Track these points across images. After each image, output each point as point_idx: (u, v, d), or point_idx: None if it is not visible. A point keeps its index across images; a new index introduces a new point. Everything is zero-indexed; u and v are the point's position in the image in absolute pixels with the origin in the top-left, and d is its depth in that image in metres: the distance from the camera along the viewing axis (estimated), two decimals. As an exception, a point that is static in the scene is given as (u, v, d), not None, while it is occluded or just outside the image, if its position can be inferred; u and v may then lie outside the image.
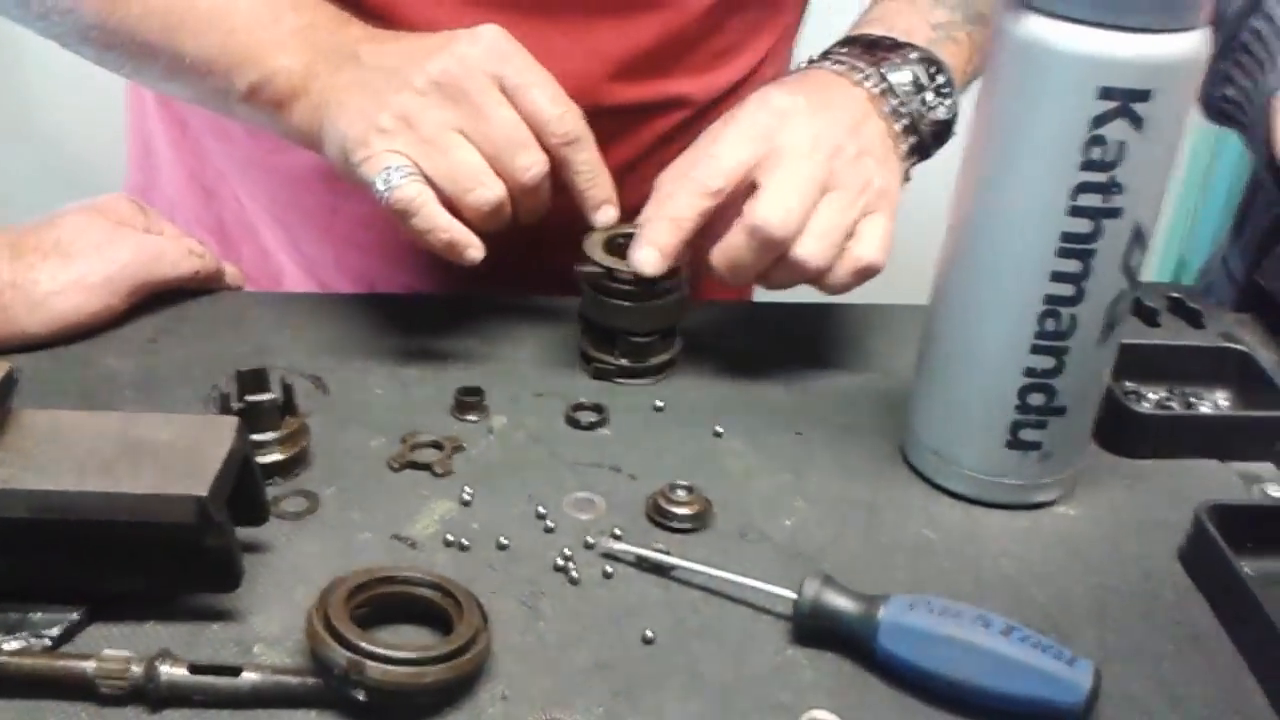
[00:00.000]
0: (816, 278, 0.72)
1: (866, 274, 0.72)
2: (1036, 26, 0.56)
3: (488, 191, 0.69)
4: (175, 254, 0.81)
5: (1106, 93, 0.55)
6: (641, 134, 0.86)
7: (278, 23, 0.72)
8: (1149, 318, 0.79)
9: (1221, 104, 0.92)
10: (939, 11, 0.82)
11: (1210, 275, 1.12)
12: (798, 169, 0.69)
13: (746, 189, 0.70)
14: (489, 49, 0.69)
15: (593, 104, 0.73)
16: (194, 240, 0.85)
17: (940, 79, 0.77)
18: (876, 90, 0.75)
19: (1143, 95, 0.55)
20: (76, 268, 0.75)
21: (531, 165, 0.69)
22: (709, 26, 0.85)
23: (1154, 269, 2.21)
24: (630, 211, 0.76)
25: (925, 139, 0.77)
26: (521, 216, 0.71)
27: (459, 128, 0.68)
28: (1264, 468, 0.72)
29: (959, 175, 0.64)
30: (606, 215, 0.74)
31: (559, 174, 0.72)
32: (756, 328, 0.85)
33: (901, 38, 0.78)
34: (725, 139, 0.71)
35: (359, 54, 0.71)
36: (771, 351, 0.82)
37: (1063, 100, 0.57)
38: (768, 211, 0.69)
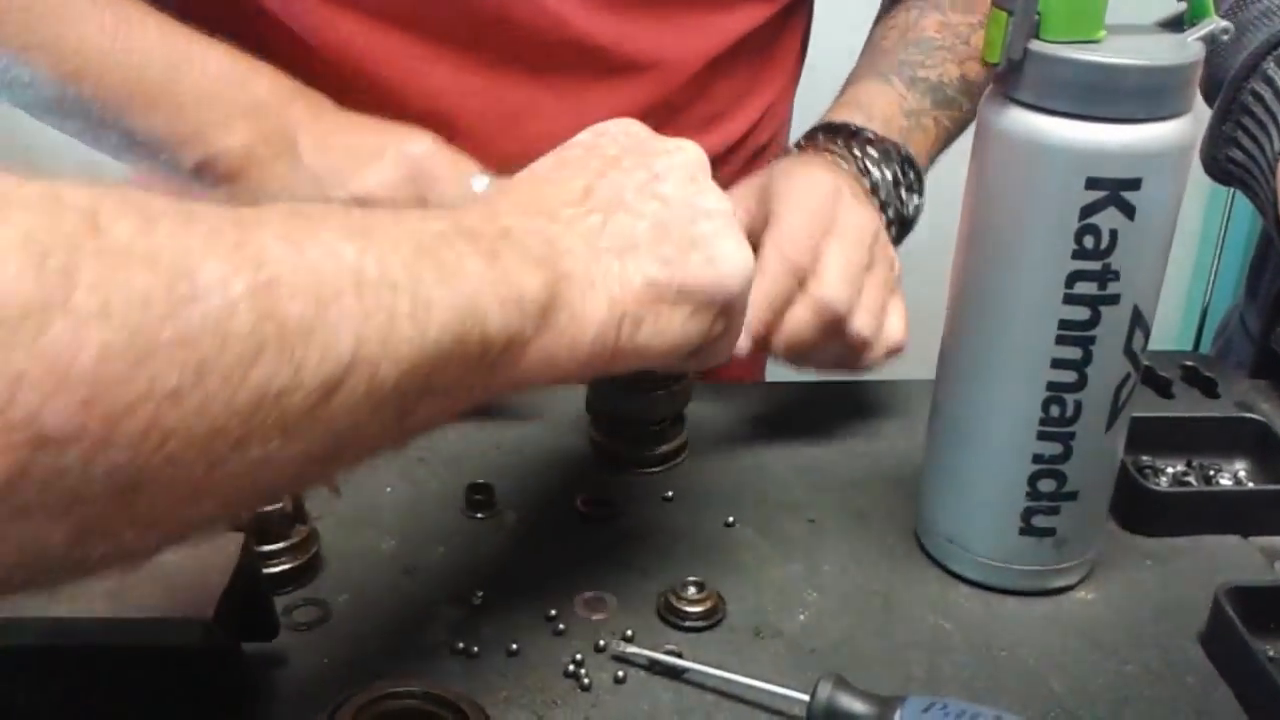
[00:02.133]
0: (862, 354, 0.74)
1: (896, 353, 0.75)
2: (1021, 119, 0.57)
3: None
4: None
5: (1094, 183, 0.55)
6: None
7: (225, 99, 0.74)
8: (1163, 389, 0.78)
9: (1227, 165, 0.91)
10: (912, 96, 0.84)
11: (1228, 332, 1.11)
12: (852, 249, 0.72)
13: None
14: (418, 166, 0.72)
15: None
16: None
17: (912, 175, 0.80)
18: (867, 184, 0.78)
19: (1132, 184, 0.55)
20: None
21: None
22: (695, 92, 0.87)
23: (1175, 324, 2.19)
24: None
25: (895, 232, 0.80)
26: None
27: None
28: (1286, 541, 0.70)
29: (954, 262, 0.64)
30: None
31: None
32: (765, 409, 0.85)
33: (880, 129, 0.79)
34: (793, 220, 0.72)
35: (297, 146, 0.73)
36: (781, 434, 0.82)
37: (1051, 191, 0.57)
38: (833, 288, 0.70)
